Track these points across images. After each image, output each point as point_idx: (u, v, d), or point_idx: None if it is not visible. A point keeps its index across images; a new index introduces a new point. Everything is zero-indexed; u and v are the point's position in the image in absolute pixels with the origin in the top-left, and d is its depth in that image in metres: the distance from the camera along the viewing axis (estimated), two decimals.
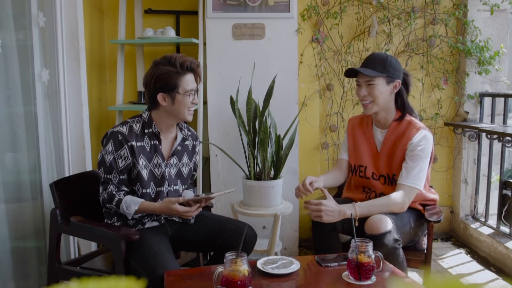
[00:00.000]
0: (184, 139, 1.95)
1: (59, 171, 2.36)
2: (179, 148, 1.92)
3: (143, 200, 1.79)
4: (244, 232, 1.53)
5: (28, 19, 2.09)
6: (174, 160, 1.90)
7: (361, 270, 1.50)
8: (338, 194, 2.32)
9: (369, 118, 2.13)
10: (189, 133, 1.99)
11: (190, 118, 1.86)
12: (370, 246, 1.52)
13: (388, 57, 2.00)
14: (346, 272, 1.54)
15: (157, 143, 1.85)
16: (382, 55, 2.01)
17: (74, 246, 2.48)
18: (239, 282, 1.37)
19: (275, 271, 1.55)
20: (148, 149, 1.83)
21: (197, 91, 1.87)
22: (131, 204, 1.76)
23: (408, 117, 2.02)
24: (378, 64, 1.97)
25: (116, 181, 1.79)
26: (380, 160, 2.05)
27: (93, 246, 2.50)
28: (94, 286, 0.41)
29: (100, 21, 3.08)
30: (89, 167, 2.52)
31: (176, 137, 1.93)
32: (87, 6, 2.75)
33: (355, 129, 2.17)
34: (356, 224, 1.81)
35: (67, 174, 2.38)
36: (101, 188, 1.82)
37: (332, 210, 1.85)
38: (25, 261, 2.15)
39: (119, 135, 1.78)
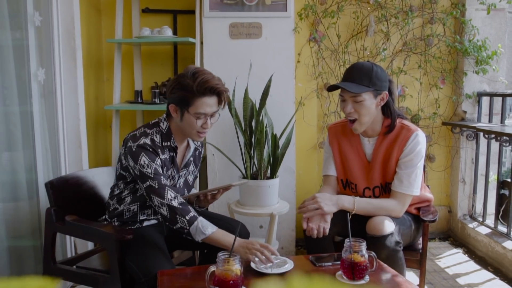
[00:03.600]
0: (195, 149, 1.90)
1: (55, 170, 2.35)
2: (191, 159, 1.88)
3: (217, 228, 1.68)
4: (236, 231, 1.52)
5: (24, 19, 2.09)
6: (185, 171, 1.87)
7: (354, 270, 1.49)
8: None
9: None
10: (199, 143, 1.95)
11: (198, 139, 1.76)
12: (363, 245, 1.52)
13: (374, 67, 1.81)
14: (340, 272, 1.54)
15: (174, 155, 1.78)
16: (367, 65, 1.82)
17: (71, 245, 2.48)
18: (231, 282, 1.37)
19: (269, 271, 1.55)
20: (167, 162, 1.77)
21: (214, 115, 1.70)
22: (208, 226, 1.63)
23: (398, 122, 1.90)
24: (364, 77, 1.79)
25: (170, 184, 1.69)
26: (373, 171, 1.93)
27: (89, 245, 2.50)
28: (4, 286, 0.39)
29: (98, 20, 3.08)
30: (85, 167, 2.53)
31: (187, 147, 1.86)
32: (84, 5, 2.75)
33: (339, 139, 2.00)
34: (350, 216, 1.80)
35: (63, 174, 2.38)
36: (156, 198, 1.64)
37: (330, 199, 1.81)
38: (22, 260, 2.15)
39: (148, 147, 1.67)
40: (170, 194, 1.65)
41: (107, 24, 3.09)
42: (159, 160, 1.69)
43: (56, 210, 1.91)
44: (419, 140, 1.86)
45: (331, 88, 1.88)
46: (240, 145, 2.58)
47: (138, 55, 3.06)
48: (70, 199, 2.00)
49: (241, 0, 2.69)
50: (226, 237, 1.63)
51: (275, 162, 2.51)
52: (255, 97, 2.58)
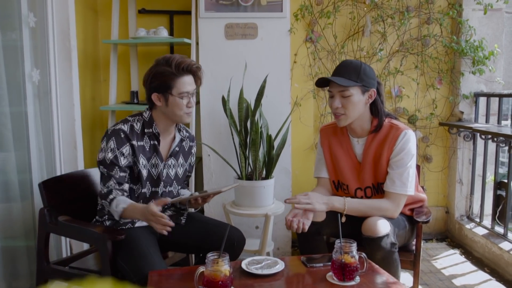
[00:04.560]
0: (181, 140, 1.96)
1: (50, 171, 2.36)
2: (177, 149, 1.92)
3: (133, 202, 1.77)
4: (226, 232, 1.52)
5: (18, 20, 2.10)
6: (172, 161, 1.91)
7: (344, 271, 1.49)
8: None
9: (344, 127, 1.98)
10: (187, 134, 2.00)
11: (187, 120, 1.84)
12: (354, 246, 1.51)
13: (362, 64, 1.85)
14: (331, 273, 1.54)
15: (156, 143, 1.85)
16: (356, 62, 1.87)
17: (66, 245, 2.49)
18: (220, 282, 1.37)
19: (259, 272, 1.55)
20: (147, 149, 1.83)
21: (194, 94, 1.82)
22: (121, 202, 1.74)
23: (387, 121, 1.91)
24: (352, 73, 1.82)
25: (118, 177, 1.77)
26: (364, 171, 1.93)
27: (85, 245, 2.50)
28: None
29: (95, 21, 3.09)
30: (81, 167, 2.53)
31: (174, 138, 1.92)
32: (80, 6, 2.76)
33: (330, 140, 2.02)
34: (343, 220, 1.81)
35: (58, 174, 2.38)
36: (101, 184, 1.80)
37: (321, 198, 1.84)
38: (16, 260, 2.16)
39: (121, 133, 1.77)
40: (110, 182, 1.76)
41: (104, 25, 3.10)
42: (127, 148, 1.77)
43: (49, 210, 1.91)
44: (409, 139, 1.86)
45: (320, 82, 1.89)
46: (235, 146, 2.58)
47: (135, 55, 3.06)
48: (64, 199, 2.00)
49: (237, 0, 2.69)
50: (137, 211, 1.69)
51: (270, 163, 2.51)
52: (251, 98, 2.57)
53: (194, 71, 1.81)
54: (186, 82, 1.78)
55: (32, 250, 2.22)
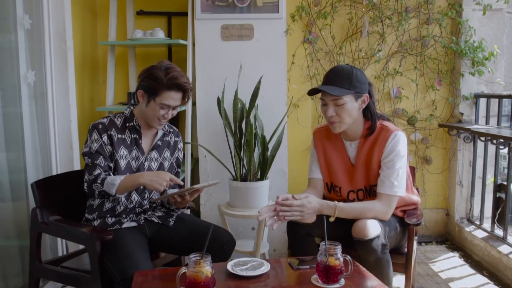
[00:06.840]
0: (164, 135, 2.01)
1: (46, 171, 2.38)
2: (159, 143, 1.98)
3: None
4: (209, 232, 1.52)
5: (13, 22, 2.12)
6: (155, 154, 1.96)
7: (329, 273, 1.48)
8: None
9: None
10: (171, 130, 2.06)
11: (157, 127, 1.92)
12: (339, 248, 1.50)
13: (354, 70, 1.83)
14: (315, 275, 1.53)
15: (137, 137, 1.92)
16: (347, 68, 1.83)
17: (62, 244, 2.51)
18: (202, 283, 1.37)
19: (244, 273, 1.54)
20: (128, 142, 1.90)
21: (176, 108, 1.87)
22: (116, 177, 1.78)
23: (378, 123, 1.90)
24: (344, 80, 1.80)
25: (103, 165, 1.82)
26: (356, 174, 1.92)
27: (80, 245, 2.52)
28: None
29: (93, 22, 3.12)
30: (77, 168, 2.55)
31: (156, 133, 1.99)
32: (78, 7, 2.79)
33: (323, 143, 2.01)
34: (332, 219, 1.80)
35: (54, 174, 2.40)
36: (86, 174, 1.82)
37: (313, 208, 1.79)
38: (11, 259, 2.18)
39: (100, 125, 1.86)
40: (96, 171, 1.80)
41: (102, 26, 3.12)
42: (105, 137, 1.84)
43: (41, 210, 1.93)
44: (399, 140, 1.85)
45: (312, 92, 1.88)
46: (229, 147, 2.58)
47: (133, 57, 3.08)
48: (56, 200, 2.02)
49: (233, 1, 2.69)
50: (133, 179, 1.77)
51: (264, 164, 2.50)
52: (248, 99, 2.57)
53: (185, 91, 1.85)
54: (171, 97, 1.82)
55: (27, 249, 2.24)
